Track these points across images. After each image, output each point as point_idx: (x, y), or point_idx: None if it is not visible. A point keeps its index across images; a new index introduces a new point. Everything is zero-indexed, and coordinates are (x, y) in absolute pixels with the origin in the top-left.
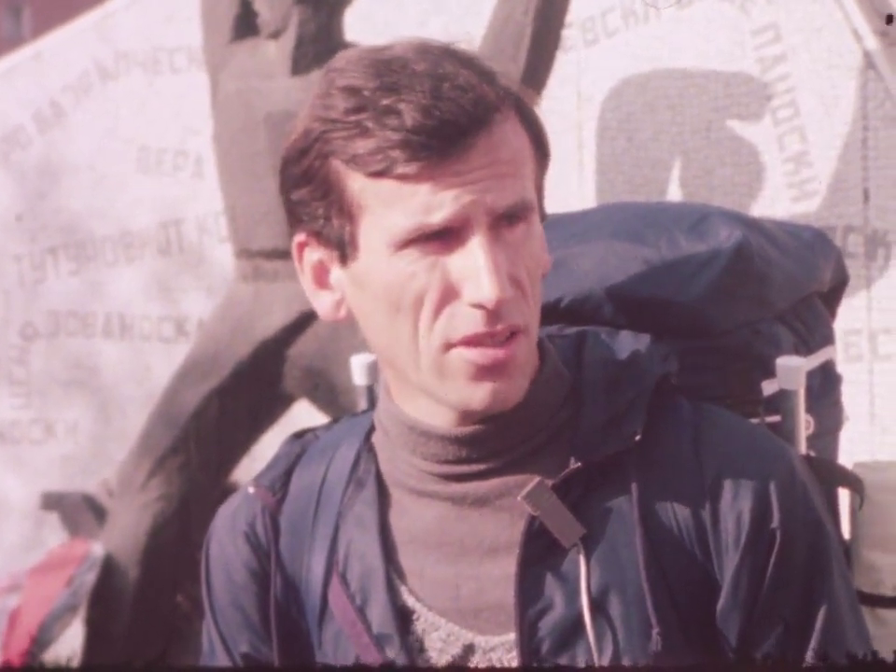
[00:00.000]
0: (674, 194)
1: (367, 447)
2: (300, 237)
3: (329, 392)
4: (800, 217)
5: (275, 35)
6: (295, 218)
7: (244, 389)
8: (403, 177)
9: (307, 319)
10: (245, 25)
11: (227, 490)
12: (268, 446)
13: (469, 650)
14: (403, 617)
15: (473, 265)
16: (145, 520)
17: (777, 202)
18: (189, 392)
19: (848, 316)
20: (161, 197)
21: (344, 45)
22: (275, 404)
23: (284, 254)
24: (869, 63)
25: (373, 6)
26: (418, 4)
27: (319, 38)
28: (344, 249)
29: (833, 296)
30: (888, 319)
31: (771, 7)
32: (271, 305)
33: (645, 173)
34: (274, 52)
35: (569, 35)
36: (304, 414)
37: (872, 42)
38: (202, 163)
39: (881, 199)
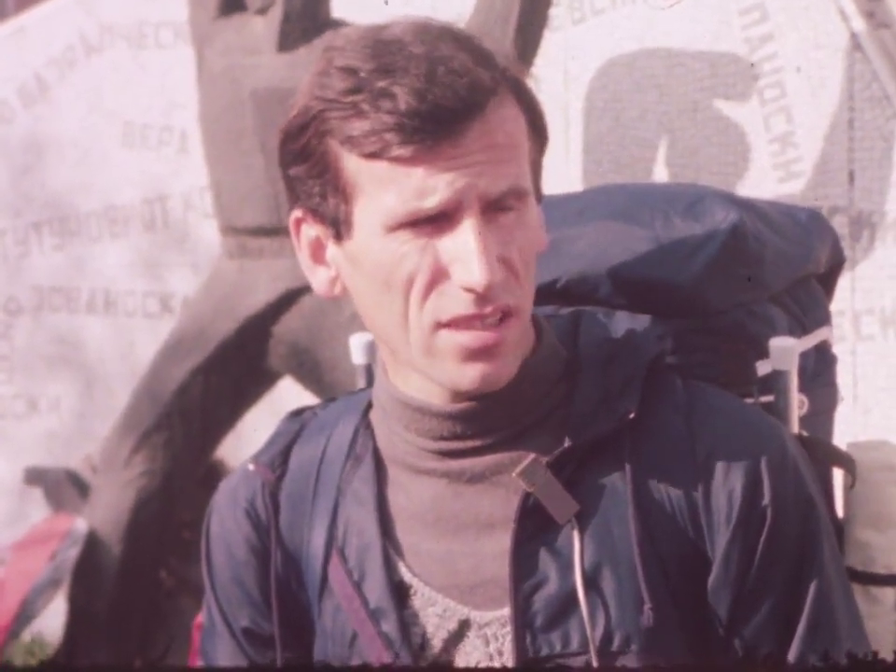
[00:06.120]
0: (660, 174)
1: (364, 423)
2: (297, 213)
3: (313, 369)
4: (785, 197)
5: (262, 10)
6: (292, 194)
7: (228, 366)
8: (397, 160)
9: (292, 296)
10: (232, 1)
11: (211, 467)
12: (252, 423)
13: (465, 625)
14: (400, 592)
15: (464, 248)
16: (128, 496)
17: (762, 182)
18: (174, 369)
19: None
20: (146, 172)
21: (331, 22)
22: (260, 381)
23: (269, 231)
24: (855, 43)
25: None
26: None
27: (306, 15)
28: (339, 228)
29: (829, 277)
30: (871, 300)
31: None
32: (256, 282)
33: (632, 152)
34: (261, 28)
35: (557, 14)
36: (289, 392)
37: (858, 23)
38: (187, 139)
39: (866, 180)
